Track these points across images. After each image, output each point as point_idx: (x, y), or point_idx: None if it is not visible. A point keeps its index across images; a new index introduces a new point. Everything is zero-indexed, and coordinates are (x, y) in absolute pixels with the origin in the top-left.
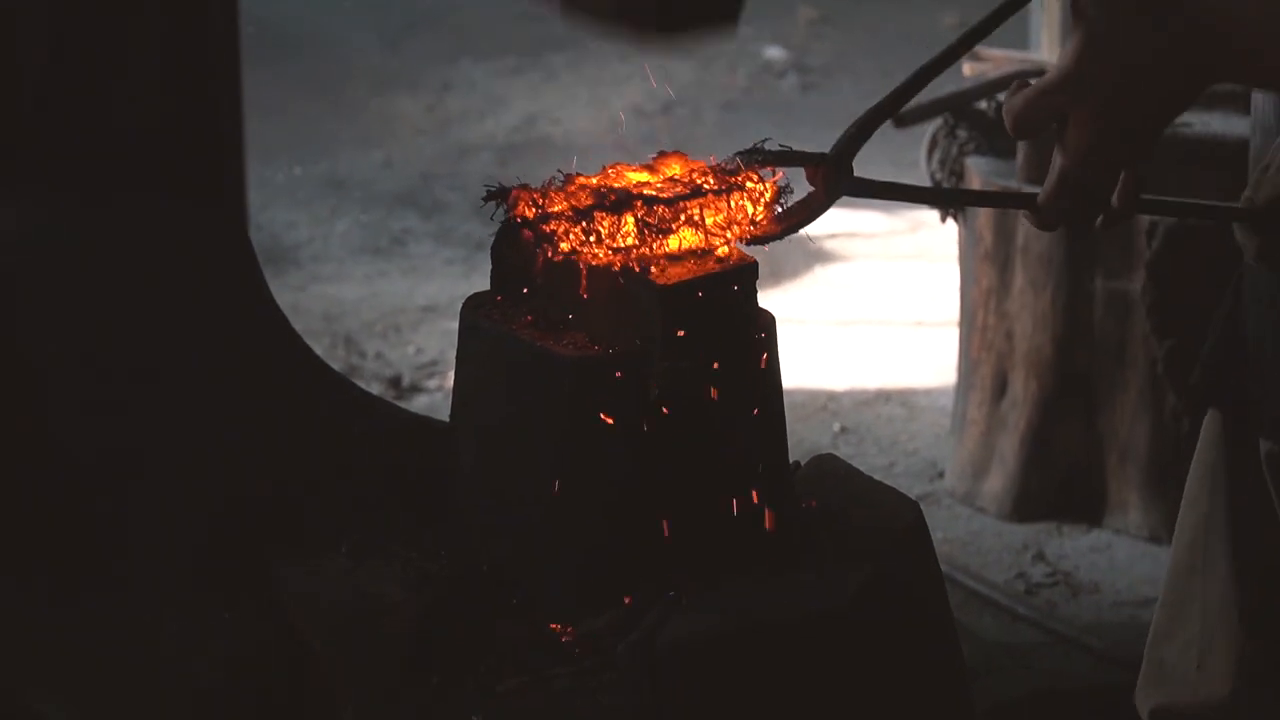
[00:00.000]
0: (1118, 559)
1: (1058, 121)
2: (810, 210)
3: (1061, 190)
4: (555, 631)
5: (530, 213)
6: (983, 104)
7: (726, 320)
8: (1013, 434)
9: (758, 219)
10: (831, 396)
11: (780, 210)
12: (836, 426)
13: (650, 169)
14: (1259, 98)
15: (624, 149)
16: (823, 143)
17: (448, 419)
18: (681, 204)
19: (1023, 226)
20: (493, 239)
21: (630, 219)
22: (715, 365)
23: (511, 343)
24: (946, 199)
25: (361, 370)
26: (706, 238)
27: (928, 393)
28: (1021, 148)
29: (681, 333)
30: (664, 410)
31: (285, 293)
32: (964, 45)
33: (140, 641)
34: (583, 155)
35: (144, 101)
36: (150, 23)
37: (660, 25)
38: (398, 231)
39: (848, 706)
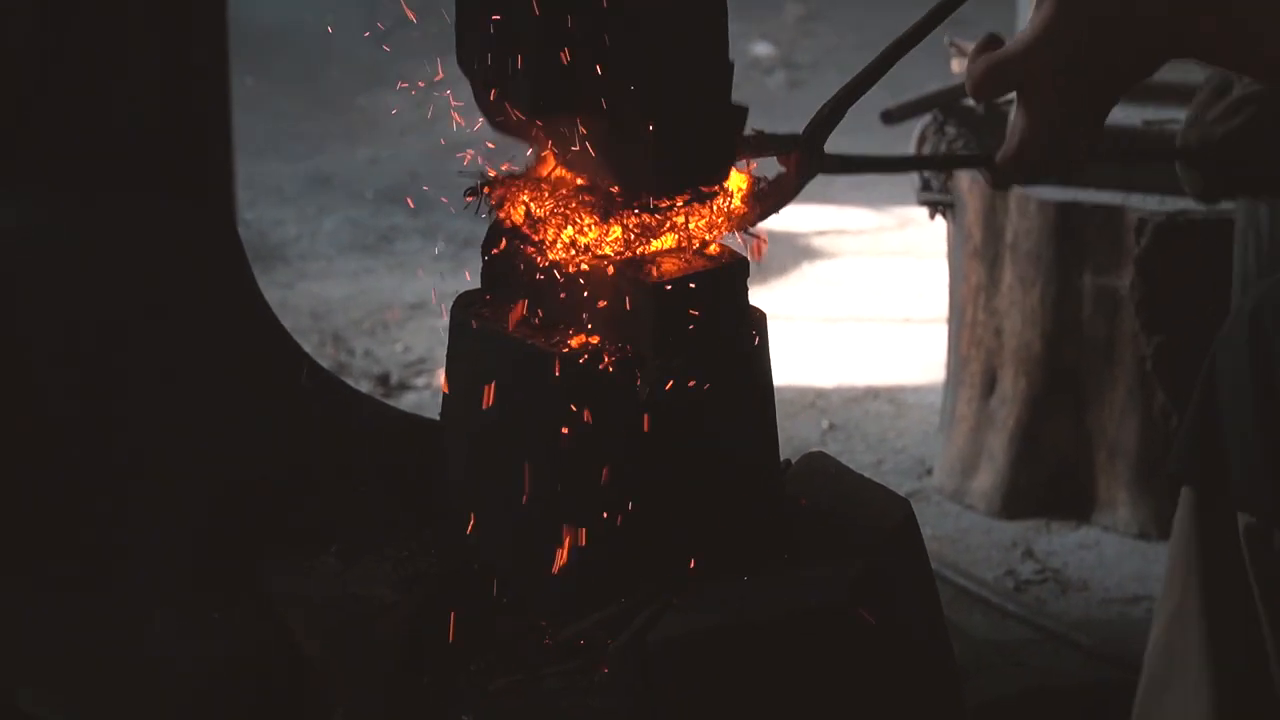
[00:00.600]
0: (1106, 556)
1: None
2: (782, 192)
3: (1021, 150)
4: (547, 630)
5: (518, 217)
6: (970, 101)
7: (718, 318)
8: (1001, 431)
9: (736, 214)
10: (820, 394)
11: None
12: (825, 424)
13: None
14: None
15: None
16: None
17: (436, 417)
18: (669, 213)
19: (1012, 223)
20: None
21: (617, 228)
22: (706, 364)
23: (502, 341)
24: (912, 165)
25: (350, 368)
26: (690, 240)
27: (916, 390)
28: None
29: (673, 331)
30: (655, 409)
31: (273, 290)
32: (934, 20)
33: (133, 642)
34: None
35: (134, 100)
36: (140, 21)
37: (655, 186)
38: (385, 229)
39: (839, 704)
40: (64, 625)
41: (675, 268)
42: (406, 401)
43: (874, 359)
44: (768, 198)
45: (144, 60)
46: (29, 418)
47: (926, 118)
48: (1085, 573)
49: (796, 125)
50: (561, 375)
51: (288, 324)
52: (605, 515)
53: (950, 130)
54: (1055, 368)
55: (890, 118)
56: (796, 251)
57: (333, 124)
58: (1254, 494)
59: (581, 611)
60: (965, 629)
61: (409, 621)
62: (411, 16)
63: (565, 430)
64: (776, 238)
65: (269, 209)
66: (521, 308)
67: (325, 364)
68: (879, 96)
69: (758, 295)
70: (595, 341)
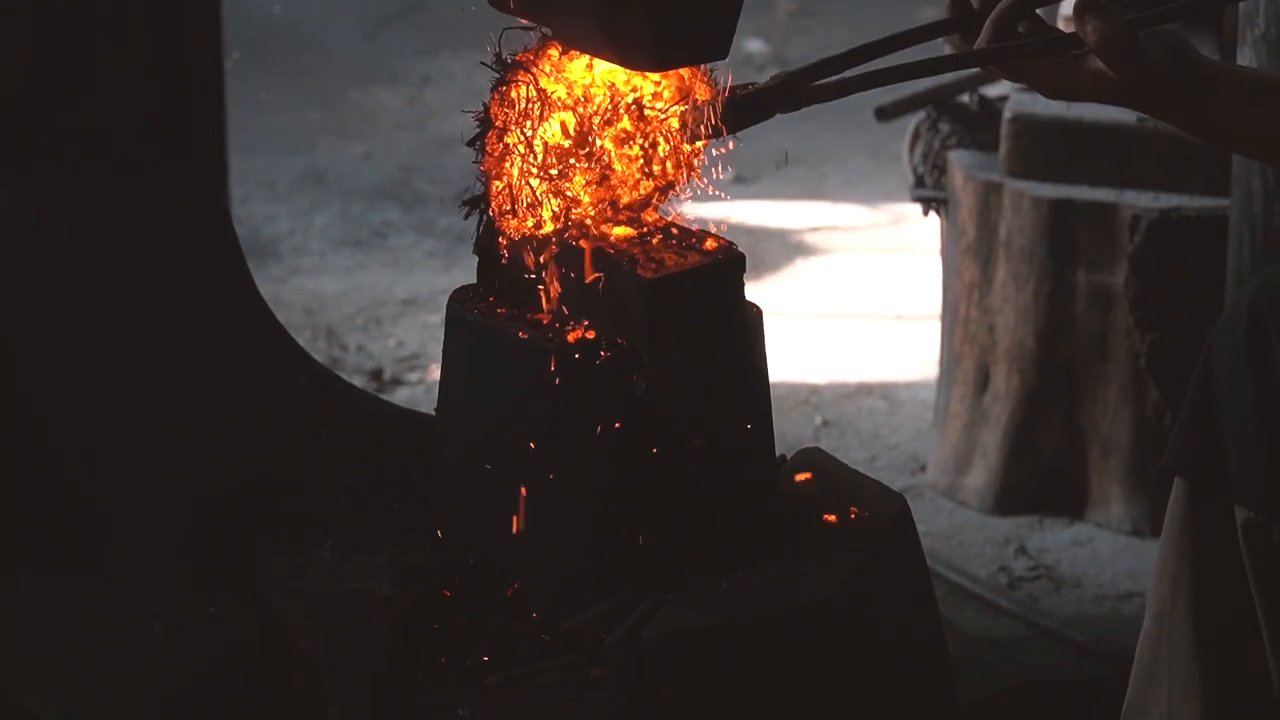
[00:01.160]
0: (1100, 552)
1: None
2: (764, 105)
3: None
4: (542, 626)
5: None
6: (965, 98)
7: (713, 314)
8: (995, 428)
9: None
10: (813, 390)
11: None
12: (818, 420)
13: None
14: None
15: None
16: (804, 134)
17: (430, 412)
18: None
19: (1005, 220)
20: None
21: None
22: (702, 360)
23: (498, 336)
24: (915, 71)
25: (343, 363)
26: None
27: (909, 386)
28: (1003, 141)
29: (668, 327)
30: (650, 404)
31: (266, 286)
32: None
33: (130, 638)
34: None
35: (129, 97)
36: (134, 19)
37: (653, 58)
38: (378, 224)
39: (835, 699)
40: (57, 620)
41: (671, 264)
42: (400, 396)
43: (867, 355)
44: (750, 110)
45: (131, 55)
46: (23, 416)
47: (920, 114)
48: (1078, 569)
49: (789, 120)
50: (558, 370)
51: (281, 319)
52: (600, 510)
53: (944, 127)
54: (1048, 364)
55: (884, 114)
56: (790, 248)
57: (325, 119)
58: (1251, 487)
59: (577, 606)
60: (958, 625)
61: (404, 616)
62: None
63: (561, 424)
64: (770, 233)
65: (261, 204)
66: (516, 303)
67: (319, 359)
68: (873, 92)
69: (751, 290)
70: (591, 337)
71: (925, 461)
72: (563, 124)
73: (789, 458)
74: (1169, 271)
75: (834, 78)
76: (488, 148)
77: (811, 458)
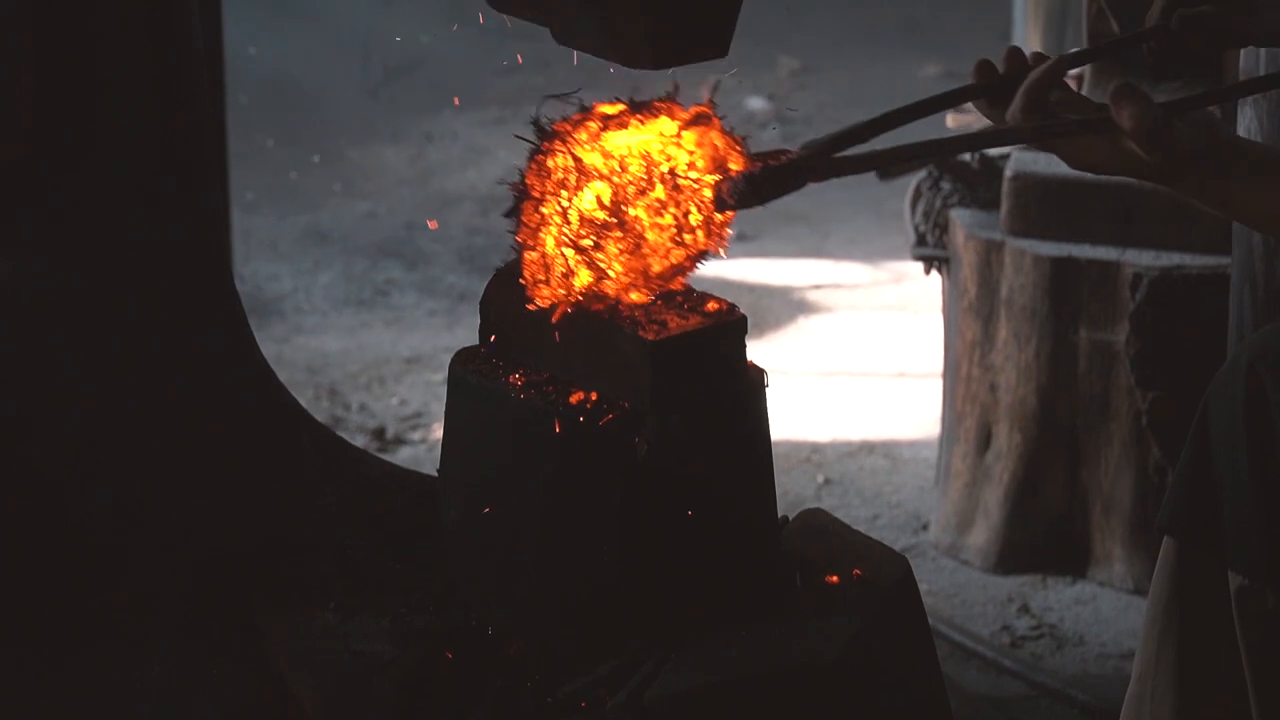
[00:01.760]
0: (1102, 611)
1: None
2: (799, 175)
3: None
4: (545, 688)
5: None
6: (966, 156)
7: (715, 376)
8: (997, 486)
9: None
10: (815, 448)
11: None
12: (820, 478)
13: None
14: None
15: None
16: (806, 191)
17: (432, 471)
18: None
19: (1007, 278)
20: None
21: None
22: (704, 421)
23: (501, 397)
24: (951, 147)
25: (345, 422)
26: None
27: (911, 444)
28: (1005, 200)
29: (671, 389)
30: (653, 466)
31: (268, 344)
32: (940, 104)
33: (130, 699)
34: None
35: (129, 158)
36: (134, 80)
37: (653, 55)
38: (381, 283)
39: None
40: (65, 687)
41: (673, 325)
42: (402, 456)
43: (869, 414)
44: (777, 182)
45: (141, 117)
46: (24, 481)
47: (921, 173)
48: (1081, 628)
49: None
50: (561, 432)
51: (283, 378)
52: (602, 571)
53: (945, 186)
54: (1050, 423)
55: (886, 172)
56: (792, 305)
57: (328, 177)
58: (1245, 550)
59: (580, 667)
60: (961, 685)
61: (407, 678)
62: None
63: (563, 486)
64: (772, 291)
65: (264, 263)
66: (519, 364)
67: (321, 418)
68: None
69: (752, 348)
70: (594, 398)
71: (927, 520)
72: (598, 196)
73: (791, 519)
74: (1170, 330)
75: (866, 150)
76: (523, 218)
77: (813, 518)
